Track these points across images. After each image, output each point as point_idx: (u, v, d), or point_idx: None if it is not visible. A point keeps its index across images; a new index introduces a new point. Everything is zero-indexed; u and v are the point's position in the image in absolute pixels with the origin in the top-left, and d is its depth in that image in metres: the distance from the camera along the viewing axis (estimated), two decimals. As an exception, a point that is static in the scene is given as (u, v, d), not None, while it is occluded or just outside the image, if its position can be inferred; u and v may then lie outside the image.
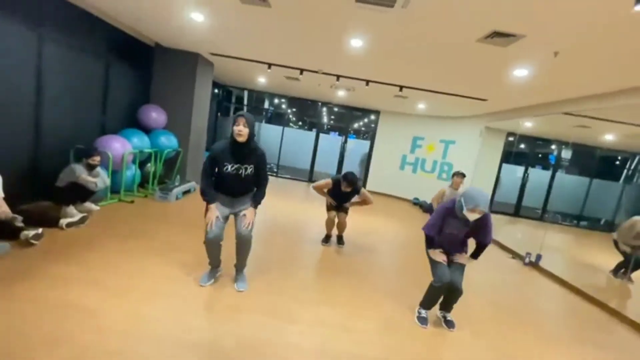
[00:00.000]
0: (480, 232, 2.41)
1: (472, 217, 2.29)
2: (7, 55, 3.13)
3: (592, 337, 2.80)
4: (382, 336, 2.24)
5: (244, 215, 2.46)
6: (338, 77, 5.63)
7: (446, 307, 2.56)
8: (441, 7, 2.59)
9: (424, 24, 2.95)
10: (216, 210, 2.39)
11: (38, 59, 3.44)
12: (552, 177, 9.25)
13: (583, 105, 4.36)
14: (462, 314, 2.70)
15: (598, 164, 9.32)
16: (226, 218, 2.48)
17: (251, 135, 2.30)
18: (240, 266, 2.65)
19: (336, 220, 3.94)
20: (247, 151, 2.34)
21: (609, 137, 7.24)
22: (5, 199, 2.59)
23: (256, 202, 2.51)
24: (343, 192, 3.77)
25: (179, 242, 3.26)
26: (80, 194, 3.42)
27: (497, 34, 2.85)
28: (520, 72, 3.72)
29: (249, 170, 2.39)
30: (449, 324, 2.52)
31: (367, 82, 5.59)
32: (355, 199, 3.93)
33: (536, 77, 3.84)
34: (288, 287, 2.73)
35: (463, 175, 4.45)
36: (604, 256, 5.02)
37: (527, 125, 7.56)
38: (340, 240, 4.11)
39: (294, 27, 3.66)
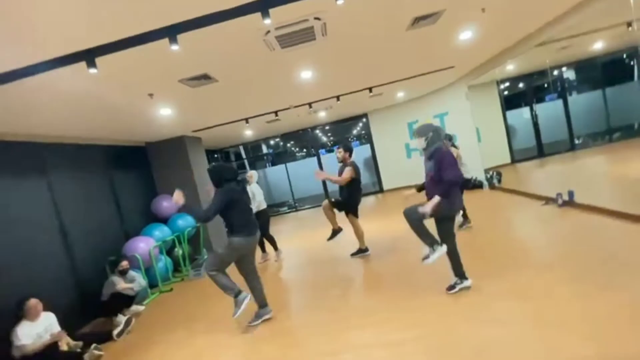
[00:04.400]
0: (439, 168, 2.50)
1: (417, 144, 2.60)
2: (29, 210, 3.62)
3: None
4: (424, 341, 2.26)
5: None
6: (310, 104, 5.88)
7: (454, 269, 2.71)
8: (357, 19, 2.76)
9: (352, 37, 3.14)
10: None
11: (53, 202, 3.94)
12: (566, 103, 8.81)
13: (548, 32, 4.26)
14: (516, 284, 2.66)
15: (605, 72, 8.79)
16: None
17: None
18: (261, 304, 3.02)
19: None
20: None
21: (598, 45, 6.90)
22: (64, 328, 2.95)
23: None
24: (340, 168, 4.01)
25: (219, 314, 3.46)
26: (122, 301, 3.76)
27: (419, 19, 2.97)
28: (465, 35, 3.77)
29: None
30: (450, 288, 2.70)
31: (338, 97, 5.79)
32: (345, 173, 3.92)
33: (484, 32, 3.86)
34: (328, 315, 2.82)
35: (450, 137, 4.40)
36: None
37: (511, 68, 7.39)
38: (361, 251, 4.18)
39: (245, 88, 3.97)
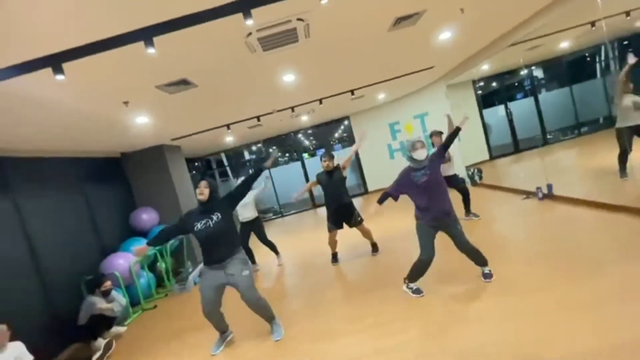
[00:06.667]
0: (436, 162, 2.67)
1: (421, 155, 2.59)
2: (-9, 231, 3.32)
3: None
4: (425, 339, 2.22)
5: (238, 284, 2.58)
6: (292, 108, 5.81)
7: (477, 262, 2.75)
8: (340, 20, 2.73)
9: (335, 39, 3.10)
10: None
11: (19, 220, 3.64)
12: (537, 101, 9.20)
13: (521, 31, 4.40)
14: (506, 278, 2.69)
15: (571, 70, 9.27)
16: (218, 288, 2.63)
17: (212, 194, 2.62)
18: (267, 319, 2.77)
19: (335, 239, 4.07)
20: (209, 207, 2.62)
21: (564, 45, 7.26)
22: (36, 358, 2.70)
23: (238, 260, 2.64)
24: (331, 174, 3.84)
25: (207, 328, 3.29)
26: (102, 323, 3.51)
27: (400, 19, 2.97)
28: (444, 35, 3.84)
29: (214, 219, 2.58)
30: (486, 276, 2.73)
31: (320, 101, 5.75)
32: (344, 172, 3.92)
33: (461, 32, 3.94)
34: (322, 322, 2.73)
35: (439, 133, 4.47)
36: (614, 155, 4.90)
37: (486, 68, 7.64)
38: (374, 247, 4.13)
39: (226, 93, 3.85)
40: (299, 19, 2.47)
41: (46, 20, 1.72)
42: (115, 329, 3.70)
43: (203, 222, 2.57)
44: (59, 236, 4.10)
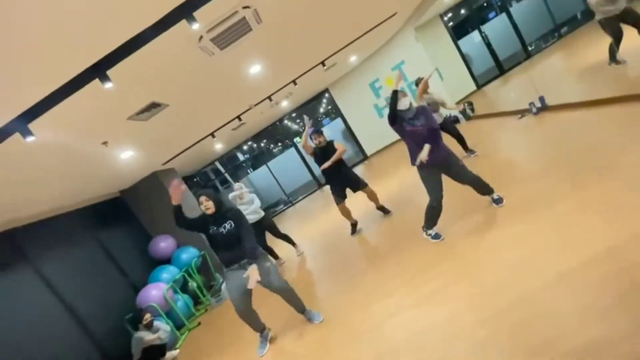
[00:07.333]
0: (428, 122, 2.61)
1: (404, 104, 2.58)
2: (23, 303, 3.42)
3: None
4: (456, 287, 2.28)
5: (251, 276, 2.49)
6: (269, 97, 5.70)
7: (484, 191, 2.78)
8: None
9: (288, 14, 2.99)
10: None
11: (46, 285, 3.73)
12: (509, 15, 8.87)
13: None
14: (513, 201, 2.70)
15: (536, -29, 8.84)
16: (245, 288, 2.55)
17: (218, 203, 2.58)
18: (300, 309, 2.81)
19: (346, 208, 4.08)
20: (220, 216, 2.59)
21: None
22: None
23: (250, 257, 2.56)
24: (325, 149, 3.83)
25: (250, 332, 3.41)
26: (155, 354, 3.67)
27: (347, -25, 2.83)
28: (397, -22, 3.66)
29: (227, 227, 2.58)
30: (497, 202, 2.74)
31: (294, 81, 5.63)
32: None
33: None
34: (354, 295, 2.82)
35: (421, 79, 4.38)
36: (601, 46, 4.75)
37: (449, -3, 7.32)
38: (383, 210, 4.14)
39: (199, 102, 3.78)
40: (244, 7, 2.37)
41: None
42: (170, 354, 3.87)
43: (215, 228, 2.61)
44: (88, 286, 4.21)
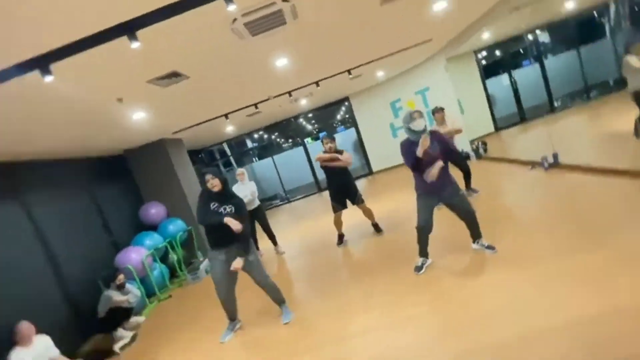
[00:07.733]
0: (441, 145, 2.65)
1: (419, 125, 2.56)
2: (6, 234, 3.43)
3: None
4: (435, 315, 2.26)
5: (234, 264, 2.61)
6: (289, 93, 5.73)
7: (474, 234, 2.78)
8: (326, -1, 2.64)
9: (325, 17, 3.01)
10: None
11: (31, 223, 3.75)
12: (542, 66, 8.86)
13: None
14: (506, 250, 2.69)
15: (578, 31, 8.84)
16: (230, 272, 2.66)
17: (224, 182, 2.64)
18: (278, 302, 2.87)
19: (340, 220, 4.09)
20: (225, 197, 2.66)
21: (570, 5, 6.90)
22: (61, 349, 2.86)
23: (241, 247, 2.65)
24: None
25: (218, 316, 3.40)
26: (120, 315, 3.67)
27: (391, -9, 2.86)
28: (439, 5, 3.68)
29: (227, 210, 2.62)
30: (489, 248, 2.74)
31: (317, 83, 5.65)
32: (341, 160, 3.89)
33: (457, 0, 3.77)
34: (330, 304, 2.80)
35: (441, 109, 4.38)
36: (626, 117, 4.72)
37: (487, 36, 7.35)
38: (376, 228, 4.16)
39: (220, 82, 3.81)
40: (283, 0, 2.39)
41: (26, 21, 1.70)
42: (135, 319, 3.86)
43: (217, 205, 2.64)
44: (72, 236, 4.22)
